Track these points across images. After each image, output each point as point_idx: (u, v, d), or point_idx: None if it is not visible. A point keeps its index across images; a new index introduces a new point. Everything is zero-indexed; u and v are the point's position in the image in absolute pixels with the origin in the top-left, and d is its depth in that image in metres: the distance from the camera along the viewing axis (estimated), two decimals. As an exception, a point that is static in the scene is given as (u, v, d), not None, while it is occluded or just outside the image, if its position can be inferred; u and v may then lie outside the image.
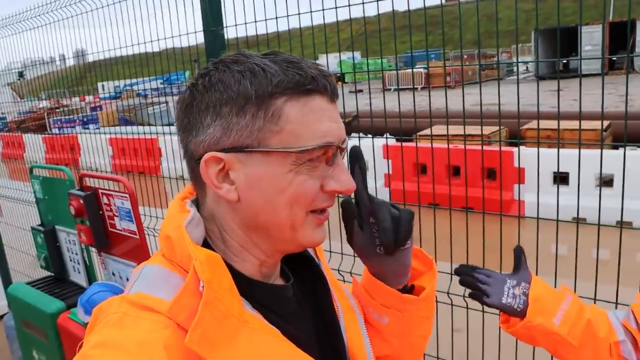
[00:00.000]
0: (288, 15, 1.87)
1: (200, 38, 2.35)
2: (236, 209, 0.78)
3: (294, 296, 0.85)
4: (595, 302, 1.79)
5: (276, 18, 1.89)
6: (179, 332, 0.68)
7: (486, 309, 2.05)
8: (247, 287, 0.77)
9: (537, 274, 1.82)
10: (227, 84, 0.74)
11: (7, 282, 4.70)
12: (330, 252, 2.30)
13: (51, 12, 3.72)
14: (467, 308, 2.02)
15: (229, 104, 0.74)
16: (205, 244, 0.79)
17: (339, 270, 2.26)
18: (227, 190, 0.76)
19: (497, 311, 2.02)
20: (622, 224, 1.74)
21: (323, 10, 1.83)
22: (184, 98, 0.79)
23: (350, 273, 2.23)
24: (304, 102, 0.74)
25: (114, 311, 0.71)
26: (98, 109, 15.36)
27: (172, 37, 2.42)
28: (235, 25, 2.06)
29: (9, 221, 5.03)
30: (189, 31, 2.40)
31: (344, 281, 2.30)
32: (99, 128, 13.72)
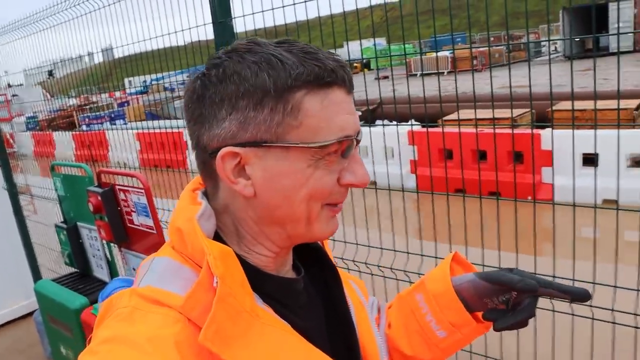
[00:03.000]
0: (295, 4, 1.83)
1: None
2: (252, 204, 0.76)
3: (305, 289, 0.84)
4: (615, 288, 1.73)
5: (283, 7, 1.85)
6: (189, 327, 0.67)
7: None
8: (259, 281, 0.75)
9: (555, 257, 1.76)
10: (244, 76, 0.71)
11: (37, 279, 4.81)
12: (345, 242, 2.28)
13: (72, 8, 3.76)
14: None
15: (245, 97, 0.71)
16: (217, 237, 0.78)
17: (353, 261, 2.23)
18: (243, 186, 0.74)
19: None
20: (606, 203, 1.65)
21: (330, -4, 1.78)
22: (194, 88, 0.75)
23: (366, 264, 2.20)
24: (324, 95, 0.72)
25: (124, 305, 0.70)
26: (125, 105, 15.59)
27: (182, 30, 2.40)
28: (243, 16, 2.03)
29: (38, 218, 5.13)
30: (202, 23, 2.39)
31: (360, 272, 2.26)
32: (126, 123, 13.93)
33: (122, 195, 2.54)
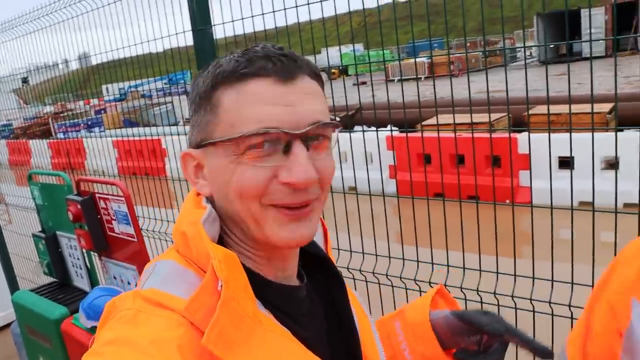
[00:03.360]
0: (274, 11, 1.84)
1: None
2: (218, 204, 0.77)
3: (308, 296, 0.84)
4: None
5: (262, 14, 1.86)
6: (192, 331, 0.67)
7: (485, 299, 2.04)
8: (260, 287, 0.75)
9: (534, 258, 1.79)
10: (195, 84, 0.77)
11: (15, 290, 4.72)
12: (339, 249, 2.28)
13: (50, 14, 3.73)
14: (465, 299, 2.00)
15: (193, 103, 0.78)
16: (220, 241, 0.78)
17: (347, 268, 2.23)
18: (201, 186, 0.78)
19: (497, 302, 2.01)
20: (588, 206, 1.69)
21: (309, 4, 1.80)
22: None
23: (360, 271, 2.21)
24: (239, 88, 0.72)
25: (127, 307, 0.70)
26: (102, 112, 15.41)
27: (162, 37, 2.40)
28: (223, 23, 2.04)
29: (14, 228, 5.05)
30: (182, 30, 2.38)
31: (354, 279, 2.26)
32: (103, 131, 13.77)
33: (102, 204, 2.52)
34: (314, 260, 0.91)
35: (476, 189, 2.02)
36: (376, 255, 2.21)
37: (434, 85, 2.21)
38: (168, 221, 3.19)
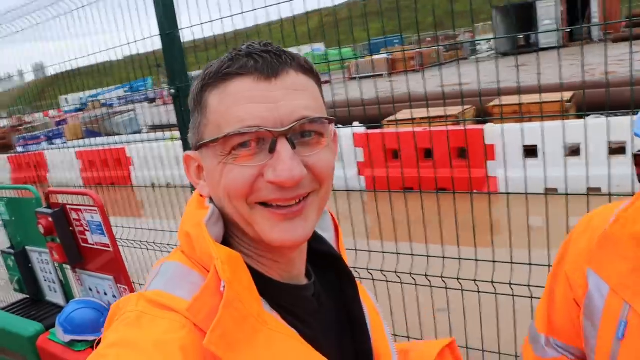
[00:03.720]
0: (243, 12, 1.84)
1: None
2: (218, 205, 0.76)
3: (316, 295, 0.82)
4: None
5: (231, 16, 1.85)
6: (195, 333, 0.66)
7: (465, 287, 2.08)
8: (265, 287, 0.74)
9: (511, 247, 1.84)
10: (192, 89, 0.77)
11: (-17, 309, 4.57)
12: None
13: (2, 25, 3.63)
14: (447, 288, 2.03)
15: (190, 106, 0.78)
16: (226, 242, 0.77)
17: (354, 268, 2.24)
18: (201, 187, 0.78)
19: (477, 289, 2.05)
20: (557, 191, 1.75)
21: (278, 4, 1.80)
22: None
23: (368, 269, 2.21)
24: (223, 88, 0.71)
25: (131, 309, 0.69)
26: (63, 123, 15.06)
27: (128, 43, 2.36)
28: (191, 26, 2.02)
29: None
30: (149, 36, 2.35)
31: (360, 279, 2.27)
32: (65, 142, 13.46)
33: (74, 215, 2.47)
34: (324, 257, 0.90)
35: (453, 181, 2.05)
36: (356, 250, 2.23)
37: (407, 81, 2.24)
38: (142, 229, 3.14)
